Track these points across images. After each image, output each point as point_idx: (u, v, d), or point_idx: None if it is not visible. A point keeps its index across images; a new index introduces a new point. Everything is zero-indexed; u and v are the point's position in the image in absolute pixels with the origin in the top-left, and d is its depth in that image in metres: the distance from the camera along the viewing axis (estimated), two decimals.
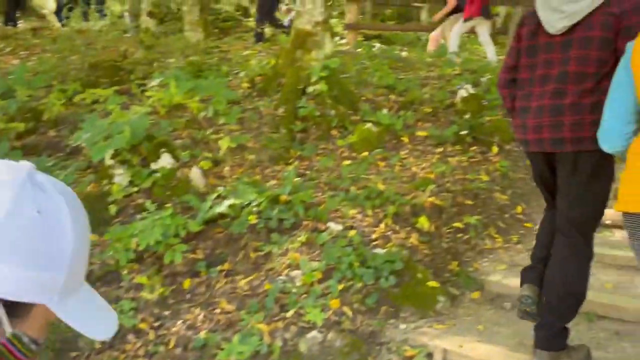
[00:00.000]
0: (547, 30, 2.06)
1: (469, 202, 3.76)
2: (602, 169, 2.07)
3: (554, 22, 2.03)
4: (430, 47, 7.89)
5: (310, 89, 4.57)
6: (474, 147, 4.57)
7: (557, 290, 2.11)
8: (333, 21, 10.53)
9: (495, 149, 4.54)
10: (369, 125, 4.42)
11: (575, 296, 2.13)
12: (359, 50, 7.06)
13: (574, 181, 2.09)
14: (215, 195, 3.08)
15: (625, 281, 2.90)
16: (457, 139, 4.60)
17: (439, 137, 4.53)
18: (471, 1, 6.96)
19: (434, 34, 8.02)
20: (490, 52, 7.22)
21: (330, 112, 4.58)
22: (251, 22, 9.86)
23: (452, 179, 4.00)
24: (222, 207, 2.87)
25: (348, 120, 4.57)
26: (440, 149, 4.46)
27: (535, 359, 2.19)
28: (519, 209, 3.85)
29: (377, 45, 9.66)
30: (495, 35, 10.03)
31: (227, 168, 3.45)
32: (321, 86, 4.52)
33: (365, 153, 4.25)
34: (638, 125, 1.67)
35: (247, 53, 6.26)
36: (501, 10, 14.49)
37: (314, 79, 4.54)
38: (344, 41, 9.57)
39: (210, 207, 2.92)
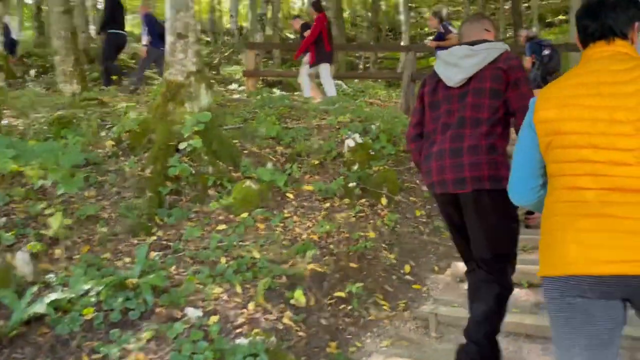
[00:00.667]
0: (447, 83, 2.27)
1: (354, 265, 3.44)
2: (504, 208, 2.10)
3: (453, 76, 2.25)
4: (310, 94, 7.90)
5: (183, 145, 4.12)
6: (363, 200, 4.31)
7: (488, 331, 2.22)
8: (233, 68, 10.24)
9: (384, 201, 4.31)
10: (249, 182, 4.03)
11: (496, 335, 2.26)
12: (251, 98, 6.72)
13: (479, 222, 2.19)
14: (38, 286, 2.51)
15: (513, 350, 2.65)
16: (345, 192, 4.32)
17: (325, 191, 4.23)
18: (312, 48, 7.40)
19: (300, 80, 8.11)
20: (330, 90, 7.53)
21: (207, 169, 4.15)
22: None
23: (338, 238, 3.67)
24: (41, 305, 2.31)
25: (227, 178, 4.15)
26: (327, 204, 4.16)
27: None
28: (407, 268, 3.58)
29: (277, 92, 9.45)
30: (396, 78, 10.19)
31: (61, 249, 2.88)
32: (195, 142, 4.10)
33: (245, 214, 3.84)
34: (544, 179, 1.67)
35: (125, 105, 5.71)
36: (401, 55, 14.96)
37: (186, 133, 4.10)
38: (241, 88, 9.26)
39: (29, 304, 2.35)
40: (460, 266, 3.44)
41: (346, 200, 4.21)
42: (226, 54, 11.79)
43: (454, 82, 2.25)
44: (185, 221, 3.69)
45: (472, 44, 2.29)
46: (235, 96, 7.93)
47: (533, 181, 1.68)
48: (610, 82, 1.51)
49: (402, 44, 22.51)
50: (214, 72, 9.96)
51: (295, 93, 10.34)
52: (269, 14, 14.48)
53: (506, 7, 21.54)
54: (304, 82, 7.88)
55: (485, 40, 2.30)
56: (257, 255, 3.30)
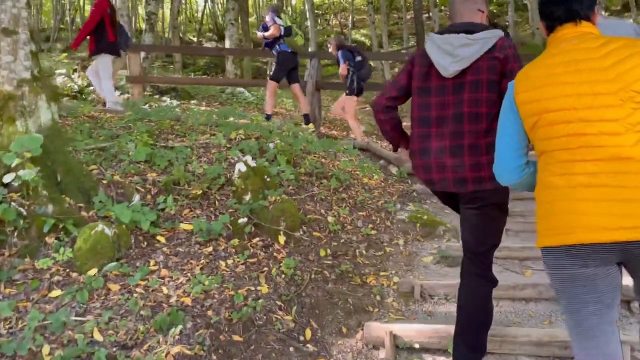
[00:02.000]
0: (441, 73, 2.16)
1: (238, 338, 2.59)
2: (501, 205, 2.21)
3: (447, 65, 2.14)
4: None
5: (10, 178, 3.04)
6: (256, 239, 3.47)
7: (480, 323, 2.22)
8: (120, 73, 8.95)
9: (281, 239, 3.50)
10: (101, 226, 3.03)
11: (489, 324, 2.27)
12: (129, 112, 5.62)
13: (477, 218, 2.20)
14: None
15: None
16: (233, 231, 3.46)
17: (208, 231, 3.33)
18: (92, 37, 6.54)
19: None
20: (107, 94, 6.66)
21: (46, 209, 3.09)
22: None
23: (219, 298, 2.80)
24: None
25: (74, 220, 3.12)
26: (209, 249, 3.26)
27: None
28: (308, 333, 2.78)
29: (168, 101, 8.36)
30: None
31: None
32: (26, 172, 3.03)
33: (93, 271, 2.85)
34: (527, 158, 1.74)
35: None
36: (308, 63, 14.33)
37: (12, 162, 3.02)
38: (126, 97, 8.06)
39: None
40: (374, 326, 2.72)
41: (235, 242, 3.35)
42: None
43: (449, 73, 2.15)
44: (5, 286, 2.63)
45: (468, 30, 2.17)
46: (113, 107, 6.76)
47: (518, 160, 1.73)
48: (587, 59, 1.56)
49: (310, 50, 22.10)
50: None
51: (192, 102, 9.28)
52: (164, 14, 13.22)
53: (408, 16, 21.83)
54: (93, 81, 6.92)
55: (481, 25, 2.20)
56: (98, 337, 2.35)
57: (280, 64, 7.00)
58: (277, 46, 6.98)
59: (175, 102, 8.21)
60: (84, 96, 8.33)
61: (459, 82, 2.14)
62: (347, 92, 6.98)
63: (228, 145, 4.51)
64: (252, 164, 3.96)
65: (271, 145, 4.56)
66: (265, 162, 4.17)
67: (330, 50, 7.28)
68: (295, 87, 7.20)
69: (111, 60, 6.61)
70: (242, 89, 10.64)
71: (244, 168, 3.87)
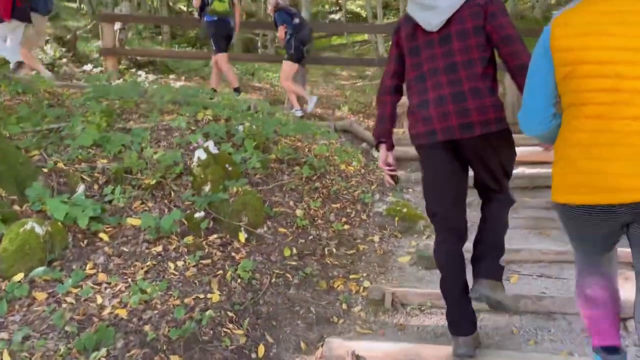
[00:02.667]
0: (425, 28, 2.17)
1: (177, 358, 2.25)
2: (509, 145, 2.22)
3: (430, 19, 2.15)
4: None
5: None
6: (214, 236, 3.12)
7: (500, 232, 2.31)
8: (97, 45, 8.45)
9: (242, 237, 3.15)
10: (31, 223, 2.67)
11: (503, 235, 2.34)
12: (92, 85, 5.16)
13: (489, 161, 2.18)
14: None
15: None
16: (189, 227, 3.10)
17: (157, 227, 2.97)
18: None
19: None
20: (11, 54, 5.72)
21: None
22: None
23: (161, 309, 2.46)
24: None
25: (3, 215, 2.75)
26: (159, 248, 2.91)
27: (478, 288, 2.23)
28: (261, 349, 2.45)
29: (143, 75, 7.88)
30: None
31: None
32: None
33: (19, 276, 2.49)
34: (556, 110, 1.68)
35: None
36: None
37: None
38: (97, 70, 7.58)
39: None
40: (336, 344, 2.39)
41: (189, 240, 2.99)
42: (89, 26, 9.88)
43: (433, 26, 2.16)
44: None
45: None
46: (81, 82, 6.30)
47: (547, 111, 1.68)
48: (634, 11, 1.50)
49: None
50: (65, 50, 8.11)
51: (171, 76, 8.81)
52: None
53: None
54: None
55: None
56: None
57: (212, 35, 6.33)
58: (203, 18, 6.30)
59: (151, 77, 7.74)
60: (56, 69, 7.84)
61: (446, 34, 2.15)
62: (286, 56, 6.35)
63: (193, 128, 4.11)
64: (214, 150, 3.57)
65: (240, 128, 4.17)
66: (230, 147, 3.79)
67: (268, 11, 6.59)
68: (221, 57, 6.40)
69: (21, 27, 5.68)
70: None
71: (204, 155, 3.49)
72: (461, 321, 2.21)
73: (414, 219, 3.69)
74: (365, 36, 19.90)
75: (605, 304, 1.80)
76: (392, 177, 2.44)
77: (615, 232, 1.63)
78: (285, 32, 6.24)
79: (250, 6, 28.03)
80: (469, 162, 2.23)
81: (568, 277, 2.87)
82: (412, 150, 5.58)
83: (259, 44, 19.33)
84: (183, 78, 8.72)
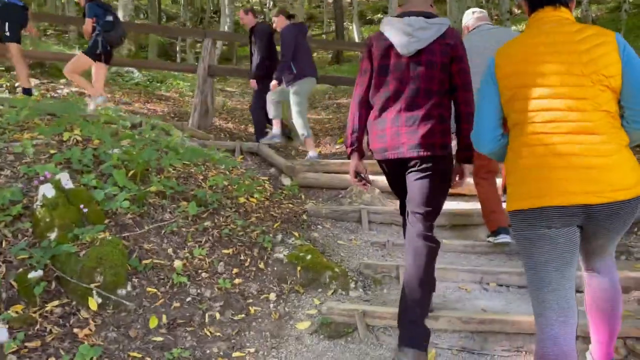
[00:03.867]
0: (400, 52, 2.32)
1: None
2: (446, 172, 2.37)
3: (408, 45, 2.30)
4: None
5: None
6: (54, 304, 2.33)
7: (423, 285, 2.28)
8: None
9: (93, 303, 2.39)
10: None
11: (431, 287, 2.40)
12: None
13: (425, 183, 2.31)
14: None
15: None
16: (18, 292, 2.29)
17: None
18: None
19: None
20: None
21: None
22: None
23: None
24: None
25: None
26: None
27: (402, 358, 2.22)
28: None
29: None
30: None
31: None
32: None
33: None
34: (503, 130, 1.89)
35: None
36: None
37: None
38: None
39: None
40: None
41: (14, 311, 2.19)
42: None
43: (408, 52, 2.30)
44: None
45: (425, 15, 2.34)
46: None
47: (496, 131, 1.89)
48: (566, 42, 1.74)
49: (225, 29, 20.50)
50: None
51: (62, 81, 7.70)
52: None
53: (330, 1, 20.84)
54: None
55: (433, 14, 2.38)
56: None
57: (4, 19, 5.44)
58: None
59: (34, 82, 6.64)
60: None
61: (416, 61, 2.31)
62: (86, 52, 5.49)
63: (53, 152, 3.26)
64: (67, 184, 2.77)
65: (117, 151, 3.38)
66: (94, 180, 2.99)
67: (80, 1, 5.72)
68: (13, 47, 5.54)
69: None
70: (131, 68, 9.13)
71: (51, 192, 2.68)
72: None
73: (319, 269, 3.09)
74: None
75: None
76: (365, 183, 2.55)
77: (570, 237, 1.72)
78: (94, 28, 5.38)
79: (169, 9, 26.61)
80: (407, 181, 2.36)
81: (492, 353, 2.39)
82: (322, 178, 5.08)
83: (178, 49, 18.22)
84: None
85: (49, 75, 7.77)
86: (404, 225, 2.49)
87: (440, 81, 2.29)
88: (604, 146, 1.64)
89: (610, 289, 1.89)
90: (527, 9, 1.88)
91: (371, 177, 4.67)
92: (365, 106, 2.42)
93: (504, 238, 3.32)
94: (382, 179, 4.77)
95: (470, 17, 3.77)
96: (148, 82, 8.87)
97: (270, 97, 5.63)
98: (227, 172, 4.34)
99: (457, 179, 2.41)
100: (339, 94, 11.32)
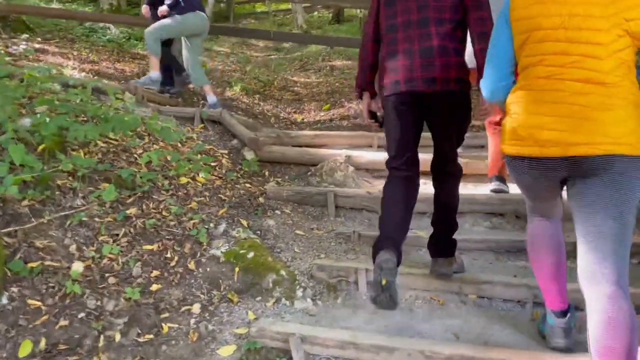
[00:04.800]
0: None
1: None
2: (467, 107, 2.27)
3: None
4: None
5: None
6: None
7: (451, 208, 2.39)
8: None
9: None
10: None
11: (457, 209, 2.42)
12: None
13: (447, 119, 2.24)
14: None
15: None
16: None
17: None
18: None
19: None
20: None
21: None
22: None
23: None
24: None
25: None
26: None
27: (434, 267, 2.38)
28: None
29: None
30: None
31: None
32: None
33: None
34: (514, 79, 1.77)
35: None
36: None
37: None
38: None
39: None
40: None
41: None
42: None
43: None
44: None
45: None
46: None
47: (508, 78, 1.77)
48: None
49: None
50: None
51: (23, 36, 6.98)
52: None
53: None
54: None
55: None
56: None
57: None
58: None
59: None
60: None
61: None
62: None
63: None
64: None
65: (25, 122, 2.76)
66: None
67: None
68: None
69: None
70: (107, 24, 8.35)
71: None
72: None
73: (261, 271, 2.49)
74: (290, 5, 18.32)
75: (552, 253, 1.87)
76: (378, 122, 2.46)
77: (555, 186, 1.72)
78: None
79: None
80: (427, 119, 2.29)
81: None
82: (290, 152, 4.42)
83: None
84: (39, 39, 6.92)
85: (10, 30, 7.05)
86: (391, 179, 2.29)
87: (452, 9, 2.16)
88: (611, 99, 1.53)
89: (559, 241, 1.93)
90: None
91: (344, 152, 4.09)
92: (372, 41, 2.34)
93: (495, 185, 3.30)
94: (358, 154, 4.23)
95: None
96: (124, 40, 8.10)
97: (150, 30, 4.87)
98: (180, 145, 3.72)
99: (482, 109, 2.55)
100: (333, 56, 10.51)
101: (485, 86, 1.83)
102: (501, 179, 3.35)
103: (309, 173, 3.88)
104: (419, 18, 2.17)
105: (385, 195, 2.25)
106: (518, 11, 1.67)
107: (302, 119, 6.39)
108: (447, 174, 2.36)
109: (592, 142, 1.50)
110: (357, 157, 3.93)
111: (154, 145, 3.45)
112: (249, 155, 4.02)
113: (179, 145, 3.72)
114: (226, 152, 3.98)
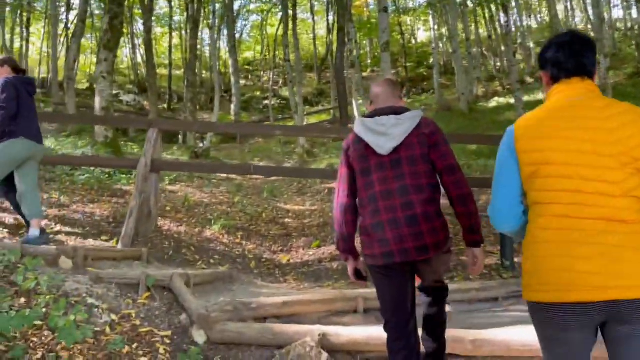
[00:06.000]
0: (377, 151, 2.26)
1: None
2: (449, 257, 2.40)
3: (383, 144, 2.25)
4: None
5: None
6: None
7: (443, 323, 2.54)
8: None
9: None
10: None
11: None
12: None
13: (435, 273, 2.38)
14: None
15: None
16: None
17: None
18: None
19: None
20: None
21: None
22: None
23: None
24: None
25: None
26: None
27: None
28: None
29: None
30: None
31: None
32: None
33: None
34: (524, 208, 1.71)
35: None
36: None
37: None
38: None
39: None
40: None
41: None
42: None
43: (386, 150, 2.25)
44: None
45: (395, 112, 2.32)
46: None
47: (518, 207, 1.70)
48: (592, 117, 1.55)
49: (232, 108, 19.74)
50: None
51: None
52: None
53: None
54: None
55: (404, 107, 2.38)
56: None
57: None
58: None
59: None
60: None
61: (396, 158, 2.24)
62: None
63: None
64: None
65: None
66: None
67: None
68: None
69: None
70: None
71: None
72: None
73: None
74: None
75: None
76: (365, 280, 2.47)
77: (589, 335, 1.56)
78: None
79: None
80: (418, 273, 2.37)
81: None
82: (249, 331, 3.02)
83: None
84: None
85: None
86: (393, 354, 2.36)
87: (427, 174, 2.24)
88: (635, 236, 1.46)
89: None
90: (547, 80, 1.72)
91: (318, 330, 3.16)
92: (351, 212, 2.34)
93: None
94: (335, 332, 2.98)
95: None
96: (108, 175, 7.65)
97: None
98: (109, 329, 2.89)
99: (472, 264, 2.33)
100: (334, 175, 9.96)
101: (495, 216, 1.73)
102: None
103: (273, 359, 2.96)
104: (397, 186, 2.20)
105: None
106: (525, 142, 1.62)
107: (289, 260, 5.58)
108: (436, 292, 2.51)
109: (627, 285, 1.44)
110: (335, 336, 3.03)
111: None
112: (199, 336, 3.14)
113: (108, 329, 2.89)
114: (169, 334, 3.12)
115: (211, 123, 10.48)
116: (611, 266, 1.44)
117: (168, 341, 3.03)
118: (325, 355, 2.89)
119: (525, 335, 2.88)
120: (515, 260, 5.03)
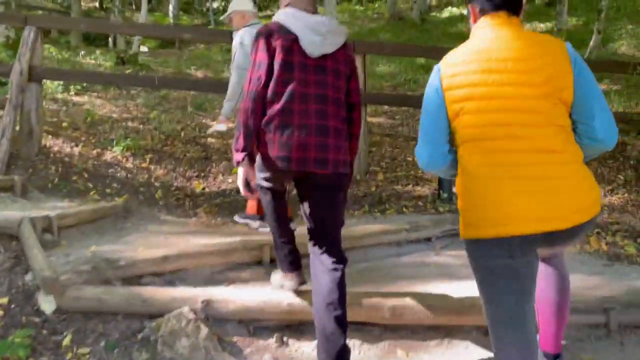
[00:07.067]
0: (308, 51, 2.06)
1: None
2: (346, 190, 2.22)
3: (320, 46, 2.06)
4: None
5: None
6: None
7: (342, 310, 2.03)
8: None
9: None
10: None
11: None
12: None
13: (329, 201, 2.12)
14: None
15: None
16: None
17: None
18: None
19: None
20: None
21: None
22: None
23: None
24: None
25: None
26: None
27: None
28: None
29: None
30: None
31: None
32: None
33: None
34: (450, 145, 1.69)
35: None
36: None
37: None
38: None
39: None
40: None
41: None
42: None
43: (316, 53, 2.05)
44: None
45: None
46: None
47: (444, 146, 1.67)
48: (516, 49, 1.54)
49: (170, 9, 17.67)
50: None
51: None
52: None
53: None
54: None
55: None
56: None
57: None
58: None
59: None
60: None
61: (321, 65, 2.07)
62: None
63: None
64: None
65: None
66: None
67: None
68: None
69: None
70: None
71: None
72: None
73: None
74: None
75: None
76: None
77: (532, 260, 1.54)
78: None
79: None
80: (308, 198, 2.13)
81: None
82: (114, 296, 1.92)
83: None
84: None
85: None
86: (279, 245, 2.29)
87: (345, 92, 2.13)
88: (565, 166, 1.49)
89: (562, 280, 1.82)
90: (475, 14, 1.68)
91: (202, 294, 2.48)
92: (261, 103, 2.03)
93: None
94: (224, 297, 2.41)
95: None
96: None
97: None
98: None
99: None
100: None
101: (424, 155, 1.69)
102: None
103: (141, 336, 2.28)
104: (317, 93, 2.04)
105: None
106: (448, 80, 1.60)
107: (203, 188, 4.80)
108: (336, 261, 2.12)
109: (560, 215, 1.46)
110: (222, 303, 2.35)
111: None
112: (47, 303, 2.39)
113: None
114: (6, 301, 2.35)
115: (103, 24, 8.70)
116: (548, 197, 1.46)
117: (1, 312, 2.27)
118: (205, 331, 2.23)
119: (451, 301, 2.34)
120: (453, 190, 4.50)
